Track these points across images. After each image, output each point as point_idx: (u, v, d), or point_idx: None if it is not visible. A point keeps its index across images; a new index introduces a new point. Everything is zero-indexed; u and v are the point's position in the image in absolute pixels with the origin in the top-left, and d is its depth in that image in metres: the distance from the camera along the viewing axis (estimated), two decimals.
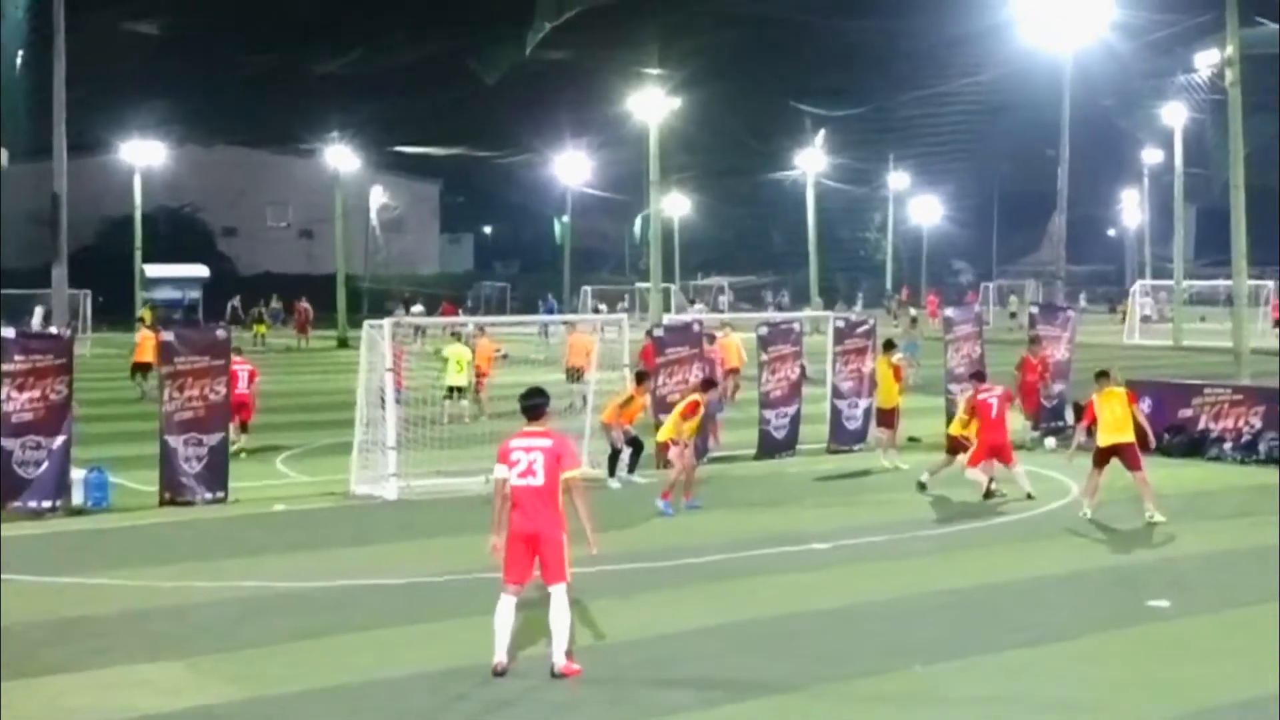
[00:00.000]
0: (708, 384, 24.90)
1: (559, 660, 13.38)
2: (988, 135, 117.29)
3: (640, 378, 26.30)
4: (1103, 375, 22.85)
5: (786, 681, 13.45)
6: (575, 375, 35.57)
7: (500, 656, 13.44)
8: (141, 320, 52.16)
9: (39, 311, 69.04)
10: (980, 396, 24.66)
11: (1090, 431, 22.54)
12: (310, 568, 18.57)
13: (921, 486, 24.73)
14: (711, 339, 32.88)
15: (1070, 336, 33.82)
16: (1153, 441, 23.10)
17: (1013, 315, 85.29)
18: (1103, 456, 22.12)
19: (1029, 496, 23.44)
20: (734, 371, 35.34)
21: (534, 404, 13.85)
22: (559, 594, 13.38)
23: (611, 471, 25.53)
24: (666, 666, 13.98)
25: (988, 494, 23.62)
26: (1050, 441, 30.41)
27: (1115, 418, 22.00)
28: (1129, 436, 21.92)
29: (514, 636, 13.62)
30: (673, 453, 23.11)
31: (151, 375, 41.96)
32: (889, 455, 27.92)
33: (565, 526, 13.50)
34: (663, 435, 23.92)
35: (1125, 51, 59.84)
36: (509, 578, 13.48)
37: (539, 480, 13.37)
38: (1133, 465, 21.90)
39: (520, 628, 13.98)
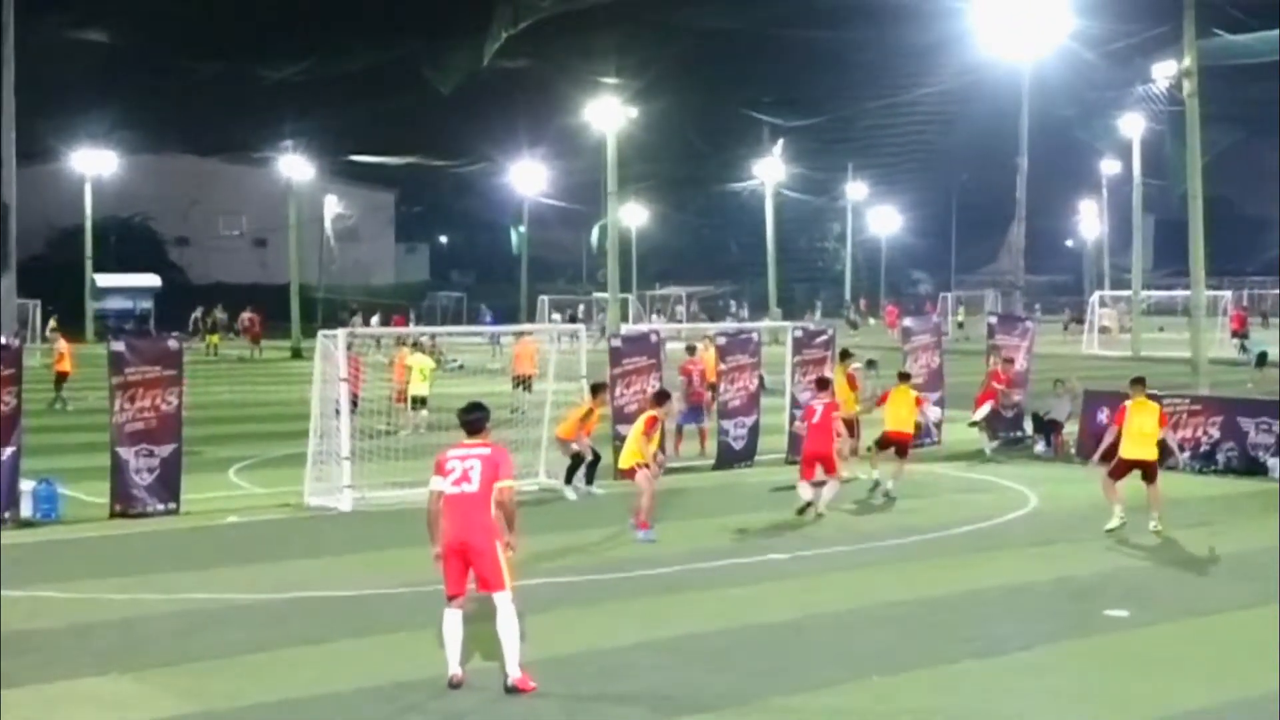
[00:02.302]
0: (661, 396, 23.69)
1: (513, 673, 13.15)
2: (946, 145, 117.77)
3: (595, 390, 25.97)
4: (1138, 382, 22.19)
5: (739, 695, 13.30)
6: (522, 383, 36.09)
7: (454, 669, 13.27)
8: (55, 331, 51.61)
9: None
10: (807, 401, 24.65)
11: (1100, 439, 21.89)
12: (262, 580, 18.35)
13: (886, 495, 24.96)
14: (692, 350, 32.62)
15: (1029, 347, 33.81)
16: (1179, 460, 22.61)
17: (960, 325, 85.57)
18: (1124, 469, 21.37)
19: (813, 511, 22.70)
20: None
21: (474, 418, 13.69)
22: (502, 603, 13.15)
23: (568, 482, 25.28)
24: (622, 679, 13.82)
25: (801, 509, 22.86)
26: (989, 446, 30.43)
27: (1144, 433, 21.30)
28: (1153, 454, 21.37)
29: (467, 648, 13.42)
30: (640, 476, 21.47)
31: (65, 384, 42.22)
32: (848, 465, 27.76)
33: (499, 535, 13.28)
34: (628, 460, 21.85)
35: (1083, 62, 60.01)
36: (449, 590, 13.31)
37: (473, 486, 13.18)
38: (1151, 479, 21.39)
39: (476, 639, 13.80)
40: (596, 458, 25.43)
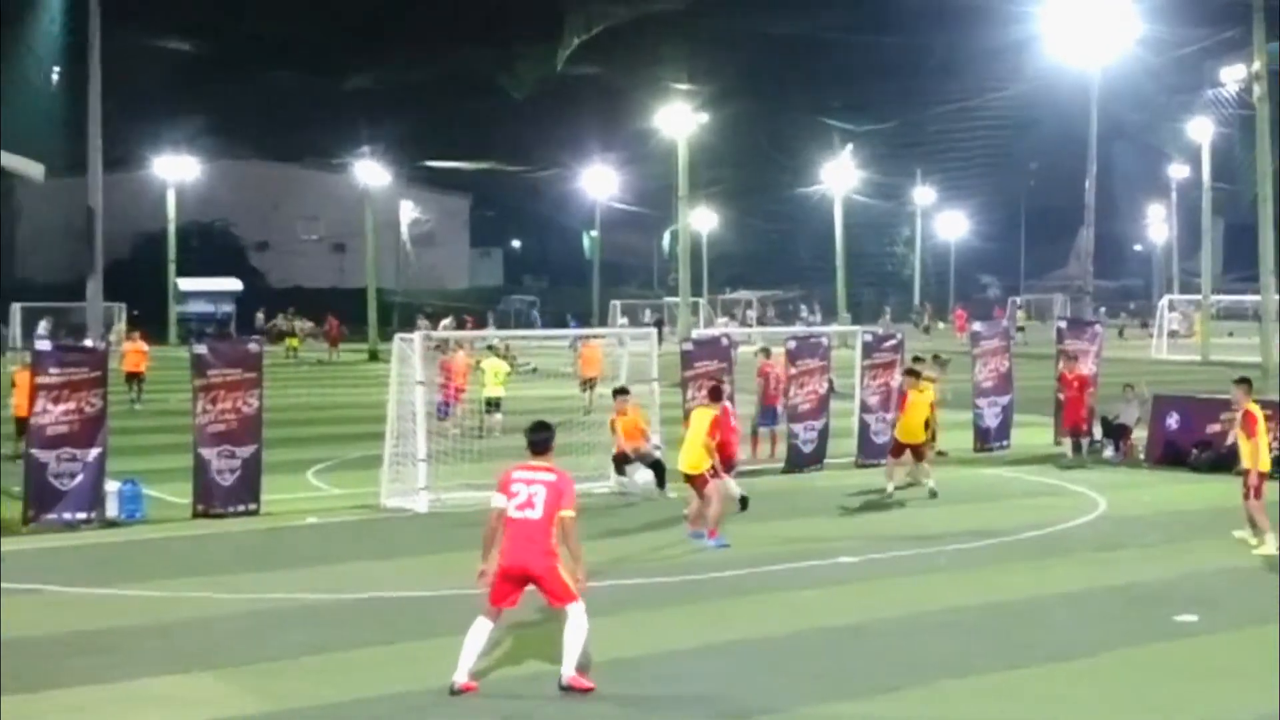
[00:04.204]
0: (715, 392, 23.34)
1: (568, 671, 13.24)
2: (1015, 150, 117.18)
3: (616, 393, 26.08)
4: (1245, 382, 21.37)
5: (799, 699, 13.38)
6: (589, 385, 37.90)
7: (462, 677, 13.27)
8: (134, 331, 52.25)
9: (44, 324, 70.13)
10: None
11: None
12: (338, 580, 18.67)
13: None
14: (767, 353, 32.69)
15: (1098, 351, 33.75)
16: None
17: (1020, 329, 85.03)
18: (1263, 481, 20.23)
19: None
20: None
21: (540, 438, 13.66)
22: (575, 612, 13.24)
23: (619, 471, 25.61)
24: (683, 682, 13.97)
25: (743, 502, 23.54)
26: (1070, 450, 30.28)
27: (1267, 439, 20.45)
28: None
29: (526, 650, 13.61)
30: (711, 486, 21.24)
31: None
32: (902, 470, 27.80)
33: (557, 555, 13.30)
34: (696, 466, 21.39)
35: (1152, 66, 59.77)
36: (491, 601, 13.37)
37: (537, 513, 13.19)
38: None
39: (536, 642, 14.14)
40: (662, 466, 25.44)
